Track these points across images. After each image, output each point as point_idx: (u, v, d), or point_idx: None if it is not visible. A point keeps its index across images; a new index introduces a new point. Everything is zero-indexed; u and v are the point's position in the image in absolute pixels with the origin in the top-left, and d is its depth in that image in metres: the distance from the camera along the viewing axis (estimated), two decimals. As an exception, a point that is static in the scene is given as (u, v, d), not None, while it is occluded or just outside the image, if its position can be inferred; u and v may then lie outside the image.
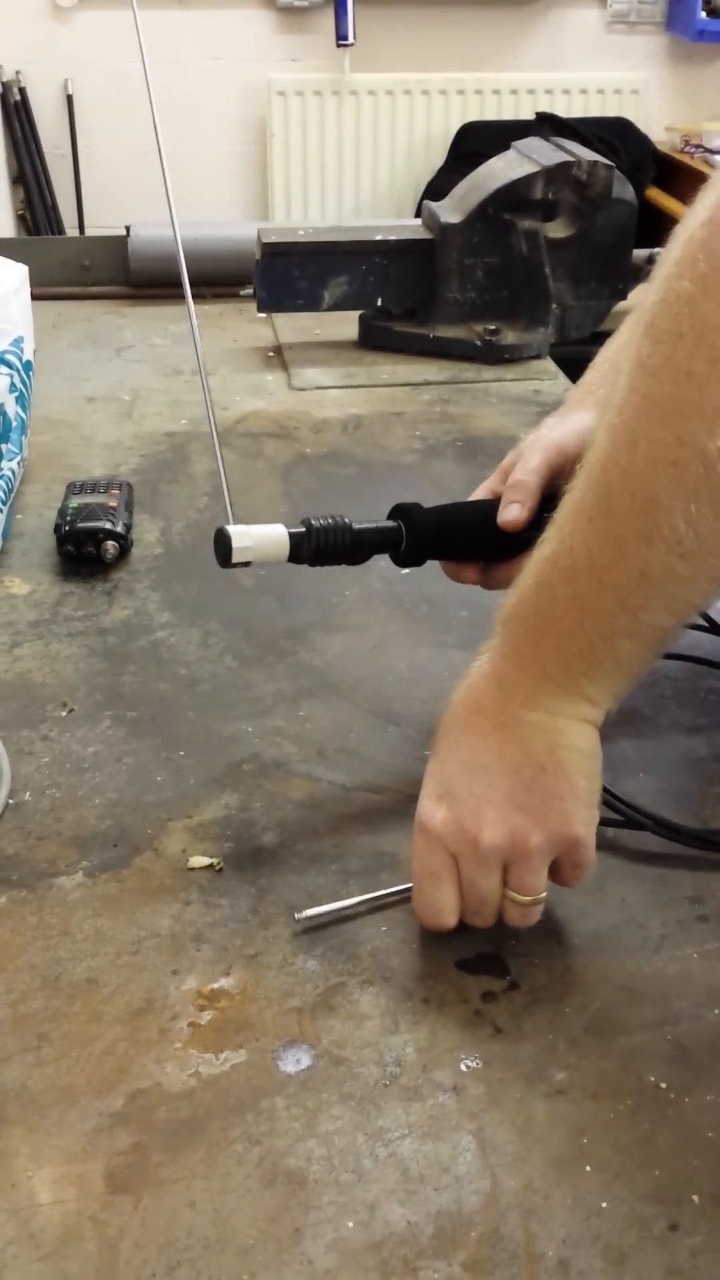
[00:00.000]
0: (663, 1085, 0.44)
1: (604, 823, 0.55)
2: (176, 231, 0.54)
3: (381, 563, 0.78)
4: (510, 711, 0.47)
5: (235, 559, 0.55)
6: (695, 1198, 0.40)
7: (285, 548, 0.55)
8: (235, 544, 0.54)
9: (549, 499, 0.57)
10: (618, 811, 0.55)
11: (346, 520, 0.57)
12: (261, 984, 0.48)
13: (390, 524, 0.58)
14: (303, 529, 0.56)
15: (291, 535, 0.55)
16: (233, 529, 0.55)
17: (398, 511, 0.59)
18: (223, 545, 0.55)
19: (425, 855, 0.48)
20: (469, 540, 0.60)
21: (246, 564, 0.55)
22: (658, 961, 0.49)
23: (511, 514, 0.58)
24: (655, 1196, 0.40)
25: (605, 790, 0.55)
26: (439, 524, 0.59)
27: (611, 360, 0.65)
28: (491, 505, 0.60)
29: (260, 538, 0.55)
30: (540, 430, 0.62)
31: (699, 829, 0.55)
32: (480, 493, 0.63)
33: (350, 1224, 0.39)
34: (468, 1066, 0.45)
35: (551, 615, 0.46)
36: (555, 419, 0.63)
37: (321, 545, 0.56)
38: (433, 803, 0.48)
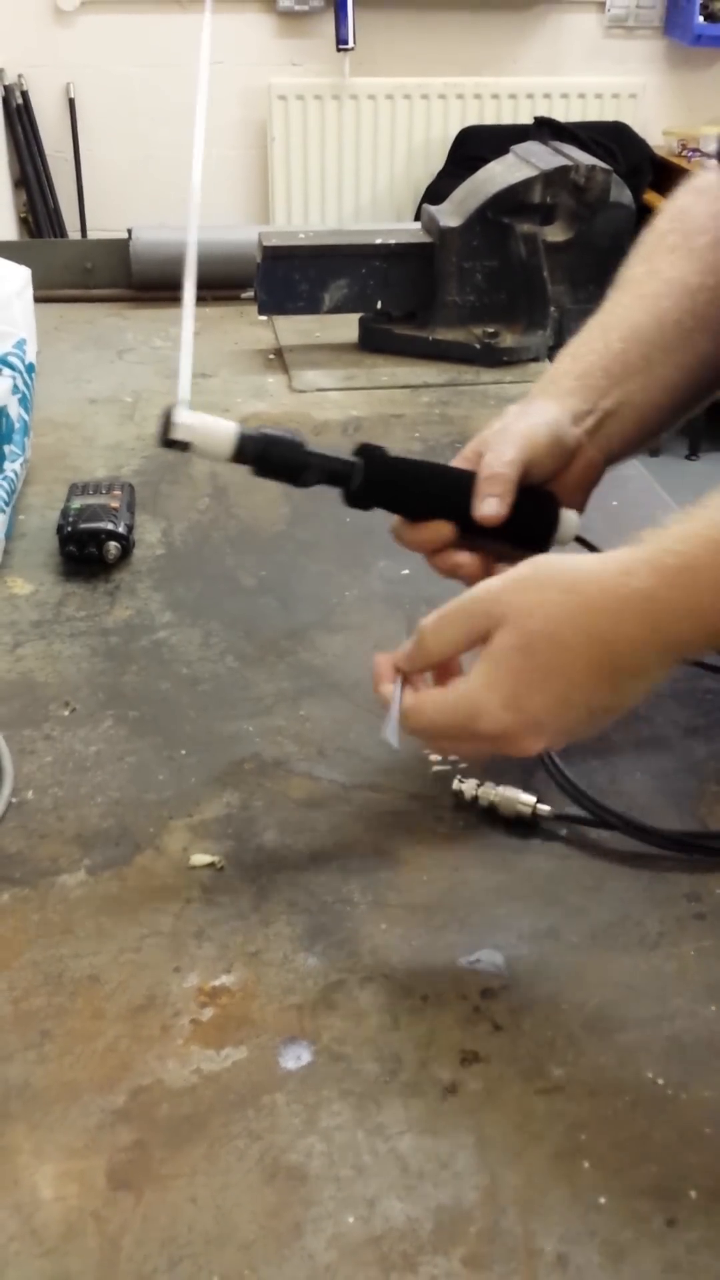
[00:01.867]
0: (660, 1082, 0.44)
1: (575, 820, 0.55)
2: (194, 225, 0.54)
3: (382, 562, 0.79)
4: (639, 660, 0.47)
5: (173, 434, 0.52)
6: (693, 1193, 0.41)
7: (230, 444, 0.53)
8: (176, 418, 0.52)
9: (523, 491, 0.57)
10: (589, 811, 0.55)
11: (302, 439, 0.55)
12: (262, 981, 0.48)
13: (348, 458, 0.56)
14: (254, 432, 0.54)
15: (241, 434, 0.53)
16: (179, 409, 0.52)
17: (361, 449, 0.57)
18: (165, 422, 0.52)
19: (457, 743, 0.50)
20: (427, 499, 0.58)
21: (185, 447, 0.52)
22: (655, 959, 0.49)
23: (491, 508, 0.56)
24: (653, 1192, 0.41)
25: (581, 791, 0.55)
26: (398, 471, 0.57)
27: (573, 353, 0.64)
28: (458, 472, 0.58)
29: (206, 424, 0.52)
30: (506, 420, 0.60)
31: (668, 830, 0.54)
32: None
33: (350, 1219, 0.40)
34: (466, 1063, 0.45)
35: None
36: (519, 409, 0.61)
37: (267, 454, 0.54)
38: (503, 711, 0.47)
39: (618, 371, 0.62)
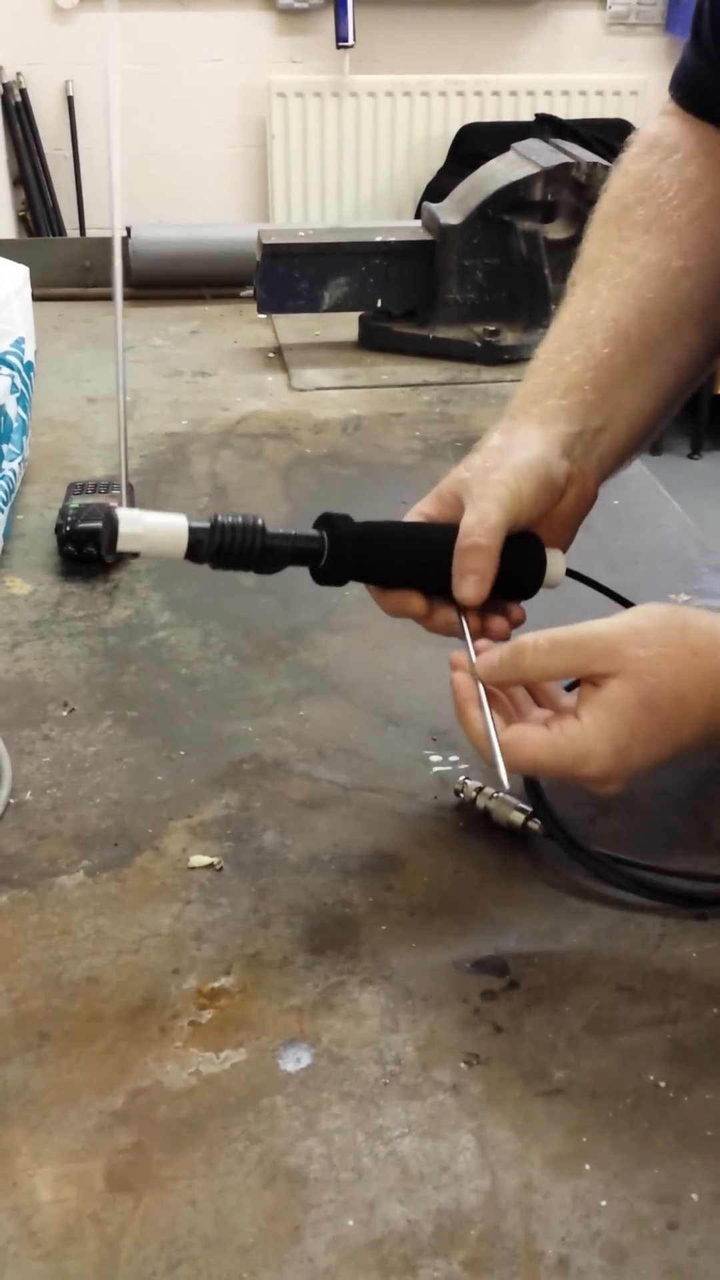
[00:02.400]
0: (662, 1084, 0.44)
1: (560, 841, 0.53)
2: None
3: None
4: None
5: (121, 545, 0.47)
6: (694, 1196, 0.40)
7: (182, 542, 0.48)
8: (123, 529, 0.47)
9: (506, 541, 0.52)
10: (565, 847, 0.53)
11: (261, 522, 0.50)
12: (262, 983, 0.48)
13: (311, 533, 0.52)
14: (206, 525, 0.49)
15: (192, 530, 0.49)
16: (122, 512, 0.48)
17: (324, 521, 0.52)
18: (110, 529, 0.48)
19: (551, 775, 0.49)
20: (401, 565, 0.53)
21: (135, 555, 0.49)
22: (656, 960, 0.49)
23: (470, 590, 0.51)
24: (654, 1195, 0.40)
25: (559, 826, 0.53)
26: (367, 541, 0.52)
27: (554, 362, 0.58)
28: (431, 530, 0.54)
29: (154, 526, 0.48)
30: (488, 455, 0.54)
31: (642, 867, 0.52)
32: (412, 515, 0.56)
33: (350, 1222, 0.40)
34: (467, 1065, 0.45)
35: None
36: (501, 441, 0.55)
37: (226, 546, 0.49)
38: (611, 760, 0.47)
39: (606, 381, 0.57)
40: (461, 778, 0.57)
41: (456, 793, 0.56)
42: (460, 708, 0.51)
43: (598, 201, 0.64)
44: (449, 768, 0.60)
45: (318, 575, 0.53)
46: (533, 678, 0.51)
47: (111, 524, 0.48)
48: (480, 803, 0.55)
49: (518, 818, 0.54)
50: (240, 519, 0.50)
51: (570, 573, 0.57)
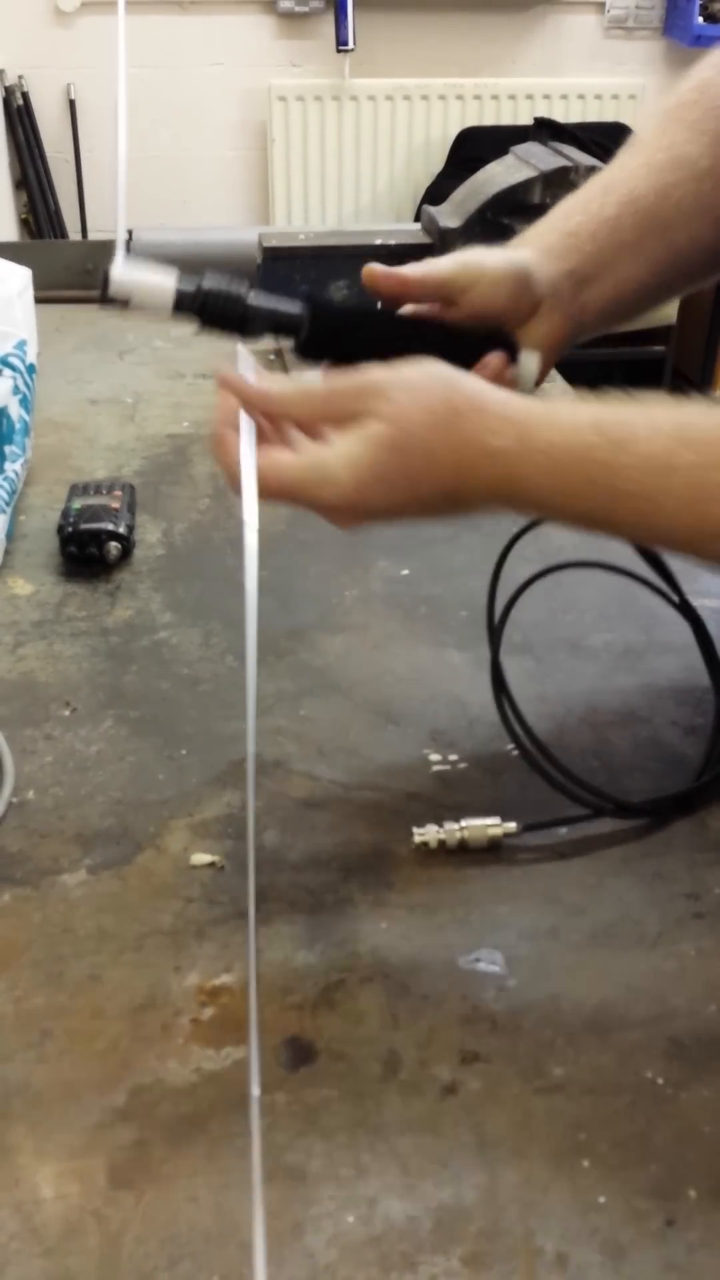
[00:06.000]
0: (660, 1081, 0.44)
1: (540, 826, 0.55)
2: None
3: (382, 562, 0.79)
4: (482, 504, 0.48)
5: (112, 292, 0.52)
6: (692, 1193, 0.41)
7: (169, 297, 0.53)
8: (114, 275, 0.52)
9: (478, 323, 0.55)
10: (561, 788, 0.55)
11: (246, 289, 0.54)
12: (262, 980, 0.48)
13: (293, 309, 0.55)
14: (192, 287, 0.53)
15: (179, 290, 0.53)
16: (116, 263, 0.52)
17: (307, 299, 0.56)
18: (103, 279, 0.52)
19: (289, 500, 0.49)
20: (376, 343, 0.55)
21: (125, 303, 0.52)
22: (655, 958, 0.49)
23: (379, 273, 0.56)
24: (653, 1192, 0.41)
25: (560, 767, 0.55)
26: (347, 320, 0.56)
27: (566, 210, 0.61)
28: (416, 322, 0.57)
29: (143, 280, 0.52)
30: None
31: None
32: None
33: (350, 1219, 0.40)
34: (466, 1062, 0.45)
35: (574, 468, 0.46)
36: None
37: (209, 306, 0.53)
38: (351, 491, 0.47)
39: (604, 237, 0.60)
40: (412, 829, 0.54)
41: (422, 845, 0.54)
42: (217, 431, 0.50)
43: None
44: (449, 767, 0.60)
45: (298, 348, 0.56)
46: (292, 413, 0.50)
47: (104, 272, 0.52)
48: (449, 841, 0.54)
49: (496, 831, 0.54)
50: (227, 285, 0.53)
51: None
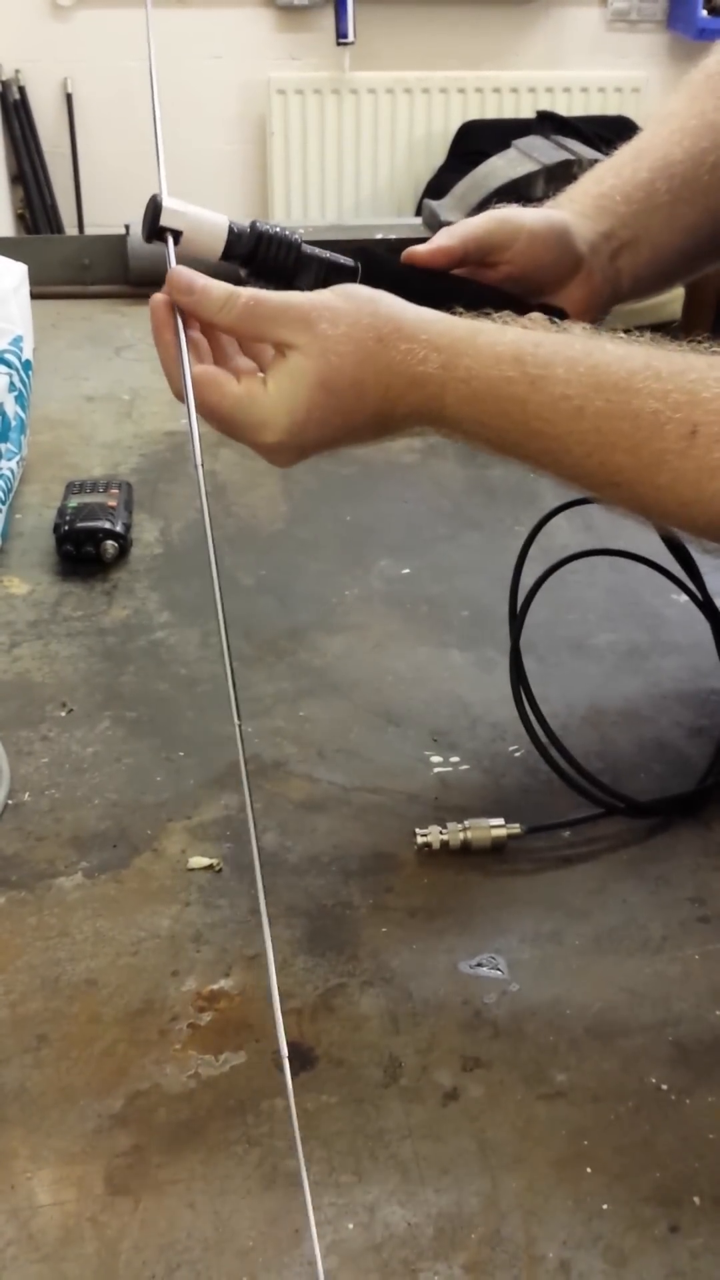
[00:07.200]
0: (664, 1087, 0.44)
1: (548, 827, 0.54)
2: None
3: (382, 562, 0.78)
4: (410, 427, 0.48)
5: (164, 221, 0.50)
6: (696, 1199, 0.40)
7: (222, 233, 0.52)
8: (166, 204, 0.50)
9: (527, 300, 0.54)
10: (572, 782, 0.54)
11: (300, 238, 0.53)
12: (261, 985, 0.48)
13: (347, 261, 0.54)
14: (246, 225, 0.52)
15: (232, 227, 0.52)
16: (167, 198, 0.50)
17: (360, 251, 0.55)
18: (153, 208, 0.51)
19: (225, 431, 0.49)
20: (428, 300, 0.54)
21: (176, 237, 0.51)
22: (658, 962, 0.49)
23: (421, 255, 0.55)
24: (656, 1198, 0.40)
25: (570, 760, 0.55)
26: (398, 272, 0.55)
27: (598, 176, 0.61)
28: (467, 283, 0.56)
29: (198, 212, 0.51)
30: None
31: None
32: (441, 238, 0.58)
33: (350, 1226, 0.39)
34: (467, 1068, 0.44)
35: (507, 395, 0.46)
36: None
37: (260, 253, 0.52)
38: (285, 434, 0.47)
39: (640, 201, 0.59)
40: (415, 830, 0.54)
41: (425, 845, 0.53)
42: (156, 330, 0.50)
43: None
44: (449, 768, 0.59)
45: None
46: (222, 326, 0.50)
47: (155, 204, 0.50)
48: (452, 841, 0.53)
49: (500, 832, 0.53)
50: (281, 229, 0.53)
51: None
